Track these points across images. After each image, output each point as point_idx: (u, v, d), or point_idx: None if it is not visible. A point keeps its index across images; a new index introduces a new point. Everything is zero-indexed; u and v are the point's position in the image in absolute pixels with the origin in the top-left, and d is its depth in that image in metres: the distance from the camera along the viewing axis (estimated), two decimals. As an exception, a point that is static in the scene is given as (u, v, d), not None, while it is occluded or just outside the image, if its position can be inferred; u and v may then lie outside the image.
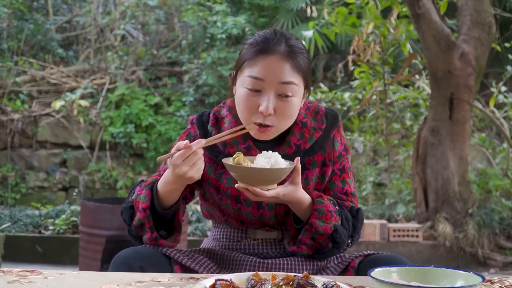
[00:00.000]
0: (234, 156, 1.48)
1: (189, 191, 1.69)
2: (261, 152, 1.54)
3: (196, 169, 1.48)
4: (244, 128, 1.58)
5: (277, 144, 1.65)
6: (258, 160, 1.47)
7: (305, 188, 1.61)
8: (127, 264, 1.51)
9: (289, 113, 1.58)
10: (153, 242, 1.59)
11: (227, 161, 1.49)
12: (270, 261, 1.61)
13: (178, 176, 1.49)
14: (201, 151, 1.49)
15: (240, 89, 1.58)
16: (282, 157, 1.56)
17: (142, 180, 1.68)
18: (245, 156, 1.52)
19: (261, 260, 1.62)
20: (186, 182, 1.53)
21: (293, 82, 1.55)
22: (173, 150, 1.49)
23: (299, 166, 1.51)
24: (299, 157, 1.52)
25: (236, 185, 1.48)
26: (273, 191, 1.48)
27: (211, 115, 1.71)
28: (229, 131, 1.56)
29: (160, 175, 1.63)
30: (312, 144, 1.65)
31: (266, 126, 1.57)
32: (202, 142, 1.49)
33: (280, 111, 1.56)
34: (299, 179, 1.52)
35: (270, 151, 1.49)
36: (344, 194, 1.67)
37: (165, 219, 1.61)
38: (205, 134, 1.67)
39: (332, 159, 1.67)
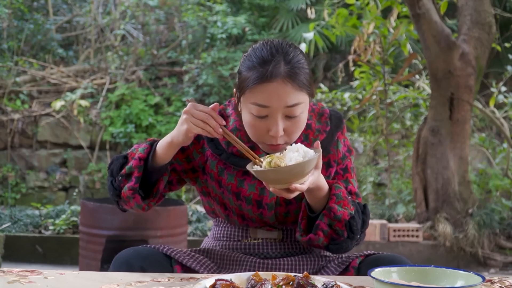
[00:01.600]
0: (267, 160, 1.44)
1: (177, 179, 1.70)
2: (264, 152, 1.55)
3: (195, 127, 1.50)
4: (256, 149, 1.59)
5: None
6: (290, 156, 1.44)
7: None
8: (127, 264, 1.51)
9: (299, 129, 1.57)
10: (130, 193, 1.59)
11: (257, 168, 1.45)
12: (270, 261, 1.62)
13: (181, 124, 1.52)
14: (213, 123, 1.51)
15: (246, 115, 1.56)
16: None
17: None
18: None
19: (261, 260, 1.62)
20: (182, 137, 1.54)
21: (299, 103, 1.52)
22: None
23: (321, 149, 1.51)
24: (319, 141, 1.52)
25: (272, 189, 1.44)
26: (307, 182, 1.46)
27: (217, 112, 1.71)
28: (244, 147, 1.53)
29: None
30: None
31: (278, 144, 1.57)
32: (223, 123, 1.52)
33: (290, 130, 1.55)
34: (321, 162, 1.52)
35: (293, 144, 1.47)
36: (348, 194, 1.67)
37: (150, 179, 1.62)
38: None
39: (336, 160, 1.68)
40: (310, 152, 1.45)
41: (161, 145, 1.59)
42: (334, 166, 1.68)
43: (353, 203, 1.61)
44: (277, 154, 1.48)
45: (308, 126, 1.66)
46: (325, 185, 1.57)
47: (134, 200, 1.60)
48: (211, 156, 1.66)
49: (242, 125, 1.63)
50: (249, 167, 1.47)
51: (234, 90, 1.63)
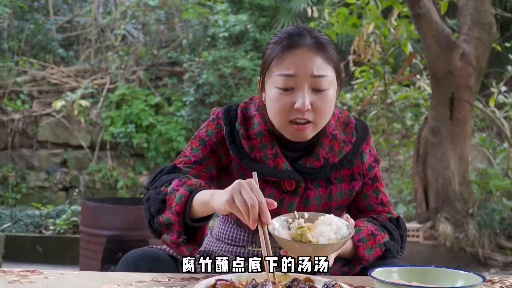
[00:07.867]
0: (295, 231, 1.32)
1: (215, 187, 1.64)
2: (287, 160, 1.53)
3: (234, 206, 1.31)
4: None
5: (305, 155, 1.60)
6: (322, 230, 1.32)
7: (328, 204, 1.58)
8: (135, 266, 1.49)
9: (326, 108, 1.51)
10: (174, 246, 1.47)
11: (285, 236, 1.32)
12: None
13: (226, 192, 1.33)
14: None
15: (271, 91, 1.50)
16: (310, 170, 1.54)
17: (175, 166, 1.57)
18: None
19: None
20: (218, 205, 1.36)
21: (326, 75, 1.48)
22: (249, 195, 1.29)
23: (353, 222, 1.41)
24: (348, 215, 1.41)
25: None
26: (332, 258, 1.39)
27: (238, 111, 1.62)
28: (265, 250, 1.30)
29: (189, 161, 1.57)
30: (340, 158, 1.60)
31: (304, 123, 1.49)
32: (268, 222, 1.30)
33: (316, 106, 1.49)
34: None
35: (326, 215, 1.36)
36: (380, 204, 1.64)
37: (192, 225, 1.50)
38: (232, 132, 1.60)
39: (361, 172, 1.63)
40: (342, 227, 1.34)
41: (199, 200, 1.42)
42: (359, 179, 1.63)
43: (382, 228, 1.58)
44: (307, 217, 1.37)
45: (333, 136, 1.61)
46: (350, 245, 1.51)
47: (177, 251, 1.50)
48: (234, 159, 1.60)
49: (268, 129, 1.58)
50: (281, 236, 1.32)
51: (258, 79, 1.58)
